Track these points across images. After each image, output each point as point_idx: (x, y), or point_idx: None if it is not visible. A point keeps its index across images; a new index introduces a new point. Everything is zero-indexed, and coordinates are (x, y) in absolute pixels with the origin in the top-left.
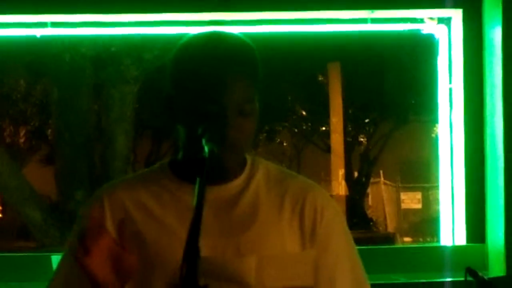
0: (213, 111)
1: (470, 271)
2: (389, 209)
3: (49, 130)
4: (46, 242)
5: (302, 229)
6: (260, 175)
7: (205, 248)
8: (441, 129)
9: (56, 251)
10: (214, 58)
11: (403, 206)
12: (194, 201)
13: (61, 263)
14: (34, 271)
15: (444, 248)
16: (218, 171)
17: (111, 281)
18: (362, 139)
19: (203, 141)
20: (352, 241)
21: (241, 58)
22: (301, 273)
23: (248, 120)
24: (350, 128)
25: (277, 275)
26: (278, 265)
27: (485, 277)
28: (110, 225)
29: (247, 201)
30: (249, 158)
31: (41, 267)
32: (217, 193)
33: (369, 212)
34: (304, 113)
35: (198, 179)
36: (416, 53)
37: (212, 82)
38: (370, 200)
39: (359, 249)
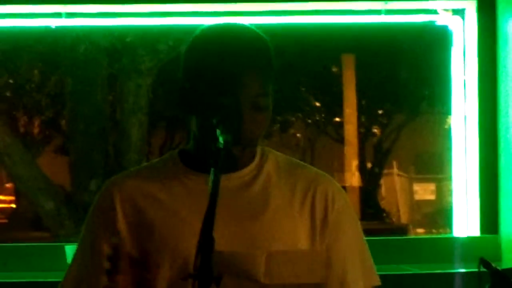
0: (227, 104)
1: (483, 262)
2: (402, 200)
3: (63, 121)
4: (59, 232)
5: (313, 217)
6: (270, 165)
7: (216, 236)
8: (455, 120)
9: (70, 241)
10: (229, 52)
11: (416, 197)
12: (208, 191)
13: (76, 258)
14: (48, 261)
15: (457, 239)
16: (231, 162)
17: None
18: (375, 130)
19: (218, 132)
20: (361, 231)
21: (257, 52)
22: (310, 270)
23: (262, 114)
24: (363, 119)
25: (286, 271)
26: (288, 261)
27: (499, 268)
28: (120, 217)
29: (258, 189)
30: (258, 148)
31: (55, 257)
32: (227, 181)
33: (382, 203)
34: (317, 104)
35: (212, 169)
36: (430, 45)
37: (227, 76)
38: (383, 191)
39: (372, 240)
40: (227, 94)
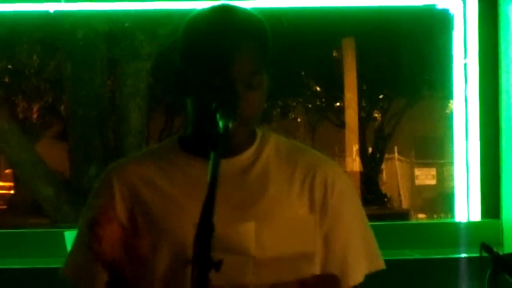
0: (219, 83)
1: (485, 246)
2: (403, 185)
3: (62, 106)
4: (59, 218)
5: (312, 202)
6: (270, 148)
7: (214, 221)
8: (456, 105)
9: (69, 227)
10: (221, 30)
11: (418, 182)
12: (208, 177)
13: (76, 244)
14: (48, 247)
15: (458, 224)
16: (228, 145)
17: (124, 265)
18: (376, 115)
19: (217, 116)
20: (365, 215)
21: (249, 31)
22: (303, 238)
23: (255, 94)
24: (364, 104)
25: (278, 242)
26: (279, 231)
27: (500, 253)
28: (119, 204)
29: (257, 173)
30: (259, 132)
31: (54, 243)
32: (226, 166)
33: (383, 188)
34: (318, 88)
35: (212, 155)
36: (431, 28)
37: (219, 55)
38: (384, 176)
39: (373, 226)
40: (219, 74)
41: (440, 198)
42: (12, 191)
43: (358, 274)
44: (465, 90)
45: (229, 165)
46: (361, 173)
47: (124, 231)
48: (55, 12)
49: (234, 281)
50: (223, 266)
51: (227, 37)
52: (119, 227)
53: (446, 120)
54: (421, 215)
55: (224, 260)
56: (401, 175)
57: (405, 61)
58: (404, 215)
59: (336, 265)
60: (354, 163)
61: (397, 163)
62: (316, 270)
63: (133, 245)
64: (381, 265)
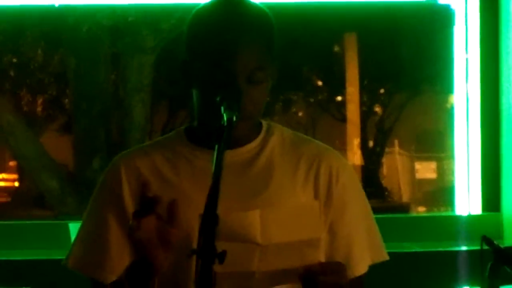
0: (222, 78)
1: (486, 239)
2: (403, 179)
3: (67, 100)
4: (63, 210)
5: (316, 191)
6: (275, 140)
7: (219, 212)
8: (457, 99)
9: (73, 220)
10: (225, 24)
11: (418, 175)
12: (212, 169)
13: (80, 234)
14: (52, 239)
15: (459, 217)
16: (232, 138)
17: (158, 253)
18: (377, 109)
19: (222, 109)
20: (369, 206)
21: (253, 25)
22: (308, 225)
23: (257, 88)
24: (365, 98)
25: (283, 229)
26: (284, 218)
27: (501, 246)
28: (127, 192)
29: (261, 165)
30: (264, 123)
31: (58, 235)
32: (231, 157)
33: (384, 182)
34: (319, 83)
35: (216, 147)
36: (432, 24)
37: (222, 49)
38: (385, 170)
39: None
40: (222, 67)
41: (441, 192)
42: (16, 183)
43: (362, 265)
44: (466, 84)
45: (234, 156)
46: (362, 167)
47: (159, 220)
48: (60, 6)
49: (240, 269)
50: (229, 255)
51: (231, 31)
52: (155, 216)
53: (446, 114)
54: (421, 209)
55: (230, 248)
56: (401, 169)
57: (406, 56)
58: (404, 208)
59: (341, 256)
60: (355, 157)
61: (397, 156)
62: (322, 256)
63: (166, 232)
64: (385, 257)
